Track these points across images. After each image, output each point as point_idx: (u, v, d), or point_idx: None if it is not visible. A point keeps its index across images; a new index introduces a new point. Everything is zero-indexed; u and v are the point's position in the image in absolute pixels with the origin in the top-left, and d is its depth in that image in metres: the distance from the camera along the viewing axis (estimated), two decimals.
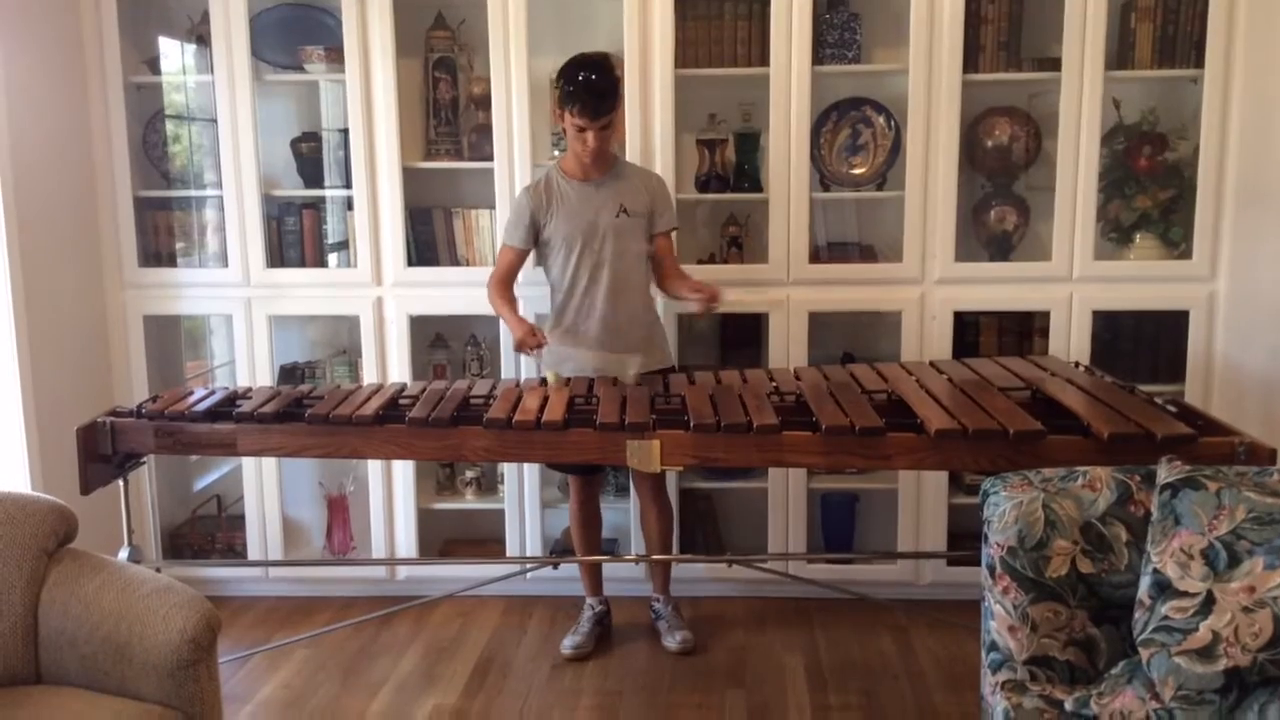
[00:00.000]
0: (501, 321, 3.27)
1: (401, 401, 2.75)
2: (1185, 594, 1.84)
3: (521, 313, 3.13)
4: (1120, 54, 3.38)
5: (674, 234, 3.22)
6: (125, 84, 3.51)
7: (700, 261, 3.58)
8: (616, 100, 3.01)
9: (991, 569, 2.05)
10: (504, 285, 3.14)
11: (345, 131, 3.50)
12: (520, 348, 2.97)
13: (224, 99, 3.47)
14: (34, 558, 2.18)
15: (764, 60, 3.37)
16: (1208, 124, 3.28)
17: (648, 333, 3.17)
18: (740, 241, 3.61)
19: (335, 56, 3.47)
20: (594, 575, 3.41)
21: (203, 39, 3.54)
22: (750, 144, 3.56)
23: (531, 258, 3.20)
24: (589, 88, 2.91)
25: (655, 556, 3.34)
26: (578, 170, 3.11)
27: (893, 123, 3.48)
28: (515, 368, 3.52)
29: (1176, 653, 1.81)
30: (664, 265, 3.18)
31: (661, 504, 3.33)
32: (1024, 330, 3.56)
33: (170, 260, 3.68)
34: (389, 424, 2.64)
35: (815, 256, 3.53)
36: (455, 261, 3.63)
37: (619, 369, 3.00)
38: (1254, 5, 3.18)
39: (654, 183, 3.19)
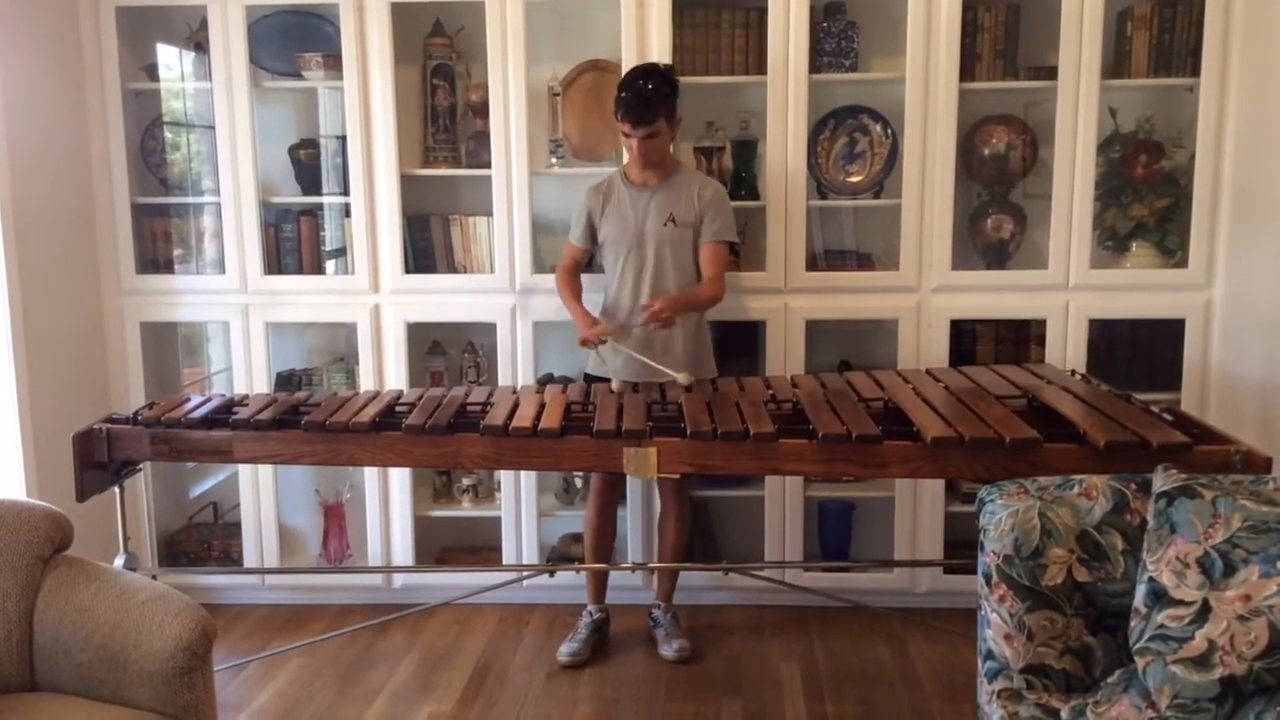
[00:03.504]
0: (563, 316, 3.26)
1: (398, 408, 2.75)
2: (1181, 602, 1.84)
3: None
4: (1116, 63, 3.38)
5: (725, 246, 3.15)
6: (124, 90, 3.52)
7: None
8: (661, 110, 3.00)
9: (988, 577, 2.05)
10: (570, 275, 3.21)
11: (343, 138, 3.50)
12: (585, 343, 3.03)
13: (222, 106, 3.48)
14: (29, 565, 2.17)
15: (761, 68, 3.37)
16: (1203, 132, 3.29)
17: (689, 345, 3.15)
18: (738, 249, 3.61)
19: (333, 63, 3.47)
20: (599, 582, 3.40)
21: (201, 46, 3.55)
22: (748, 152, 3.57)
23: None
24: (636, 95, 2.97)
25: (652, 565, 3.34)
26: (636, 176, 3.14)
27: (890, 131, 3.49)
28: (512, 375, 3.52)
29: (1172, 661, 1.80)
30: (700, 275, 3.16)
31: (681, 508, 3.32)
32: (1020, 338, 3.56)
33: (168, 267, 3.68)
34: (386, 431, 2.64)
35: (812, 264, 3.54)
36: (453, 269, 3.63)
37: (661, 378, 2.94)
38: (1249, 14, 3.19)
39: (708, 193, 3.14)
